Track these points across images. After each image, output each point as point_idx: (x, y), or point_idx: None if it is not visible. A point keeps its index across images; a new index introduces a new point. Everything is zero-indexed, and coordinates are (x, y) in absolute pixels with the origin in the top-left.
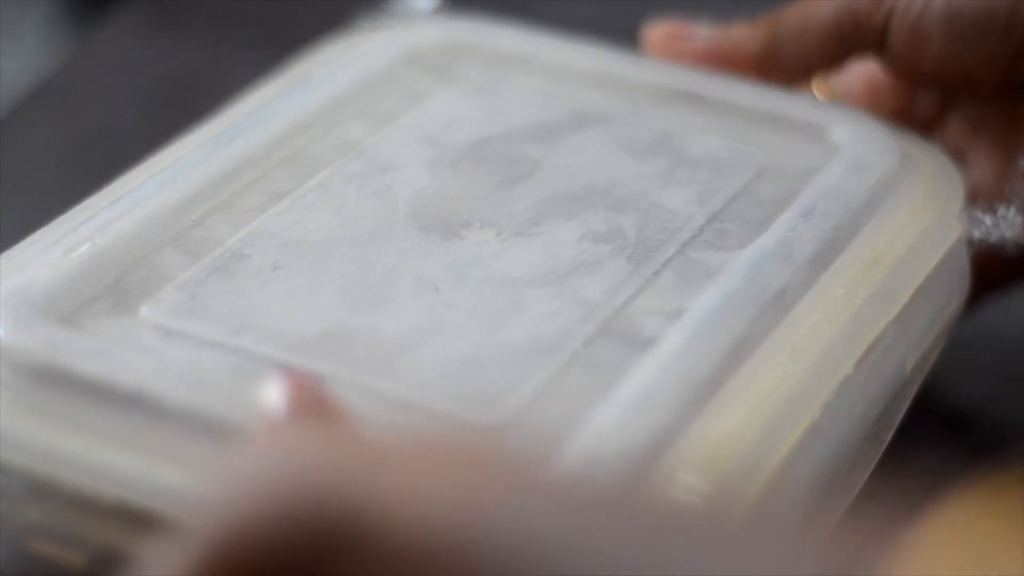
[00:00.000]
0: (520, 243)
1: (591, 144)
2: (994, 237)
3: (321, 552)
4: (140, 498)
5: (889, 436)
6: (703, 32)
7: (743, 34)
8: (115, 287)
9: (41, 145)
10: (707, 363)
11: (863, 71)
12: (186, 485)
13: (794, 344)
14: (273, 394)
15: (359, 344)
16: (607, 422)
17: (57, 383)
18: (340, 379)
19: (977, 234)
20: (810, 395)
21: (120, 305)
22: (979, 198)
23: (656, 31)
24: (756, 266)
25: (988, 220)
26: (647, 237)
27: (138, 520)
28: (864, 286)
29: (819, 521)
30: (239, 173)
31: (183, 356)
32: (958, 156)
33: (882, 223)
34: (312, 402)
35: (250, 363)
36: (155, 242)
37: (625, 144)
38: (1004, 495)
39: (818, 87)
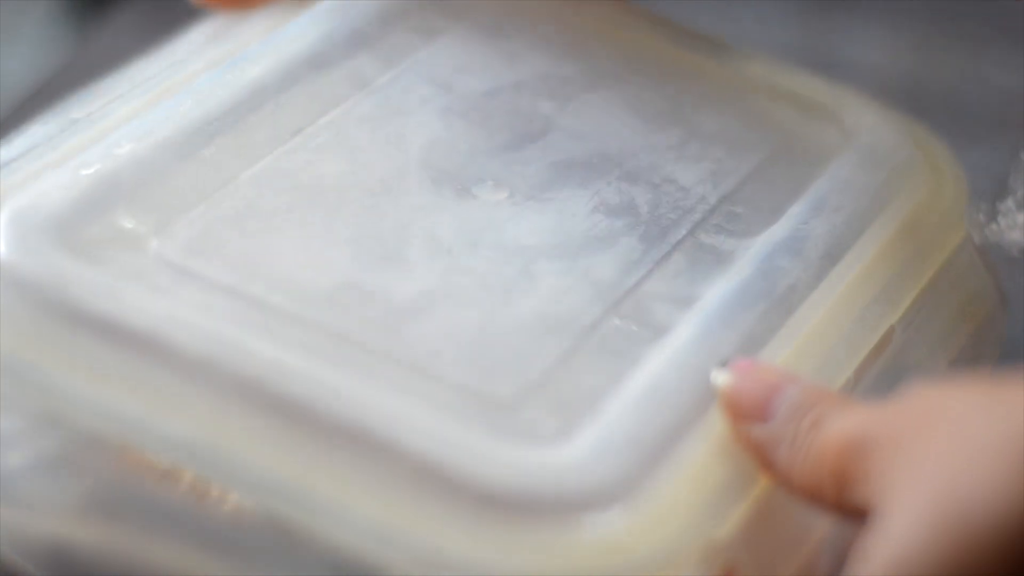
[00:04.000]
0: (532, 208)
1: (604, 106)
2: (995, 238)
3: None
4: (140, 443)
5: None
6: None
7: None
8: (126, 214)
9: None
10: (718, 358)
11: None
12: (187, 434)
13: (800, 343)
14: None
15: (371, 303)
16: (619, 412)
17: (64, 316)
18: (352, 338)
19: (978, 236)
20: None
21: (131, 236)
22: None
23: None
24: (768, 259)
25: (989, 220)
26: (659, 215)
27: (135, 462)
28: (870, 286)
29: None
30: (251, 102)
31: (195, 299)
32: None
33: (890, 220)
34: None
35: (260, 314)
36: (167, 170)
37: (639, 109)
38: None
39: None
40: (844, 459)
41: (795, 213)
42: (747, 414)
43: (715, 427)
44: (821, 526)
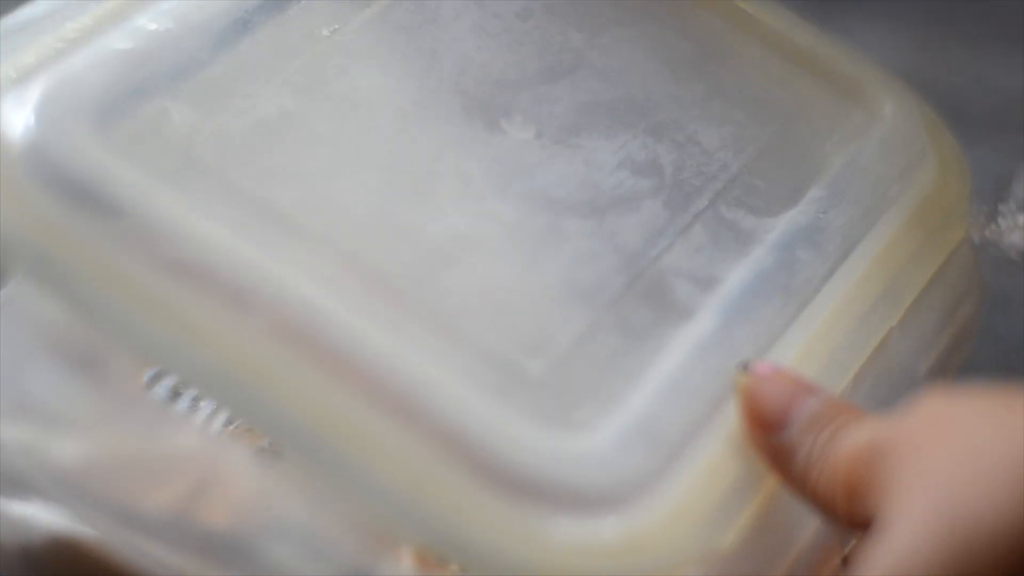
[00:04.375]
0: (560, 155)
1: (632, 46)
2: (994, 239)
3: None
4: (152, 358)
5: None
6: None
7: None
8: (163, 106)
9: None
10: (737, 354)
11: None
12: (203, 359)
13: (809, 341)
14: None
15: (403, 242)
16: (640, 406)
17: (94, 213)
18: (383, 279)
19: (977, 236)
20: None
21: (167, 131)
22: None
23: None
24: (787, 248)
25: (989, 221)
26: (683, 180)
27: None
28: (876, 285)
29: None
30: None
31: (227, 216)
32: None
33: (899, 214)
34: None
35: (293, 241)
36: (204, 60)
37: (665, 54)
38: None
39: None
40: (854, 471)
41: (815, 199)
42: (766, 421)
43: (726, 429)
44: (804, 536)
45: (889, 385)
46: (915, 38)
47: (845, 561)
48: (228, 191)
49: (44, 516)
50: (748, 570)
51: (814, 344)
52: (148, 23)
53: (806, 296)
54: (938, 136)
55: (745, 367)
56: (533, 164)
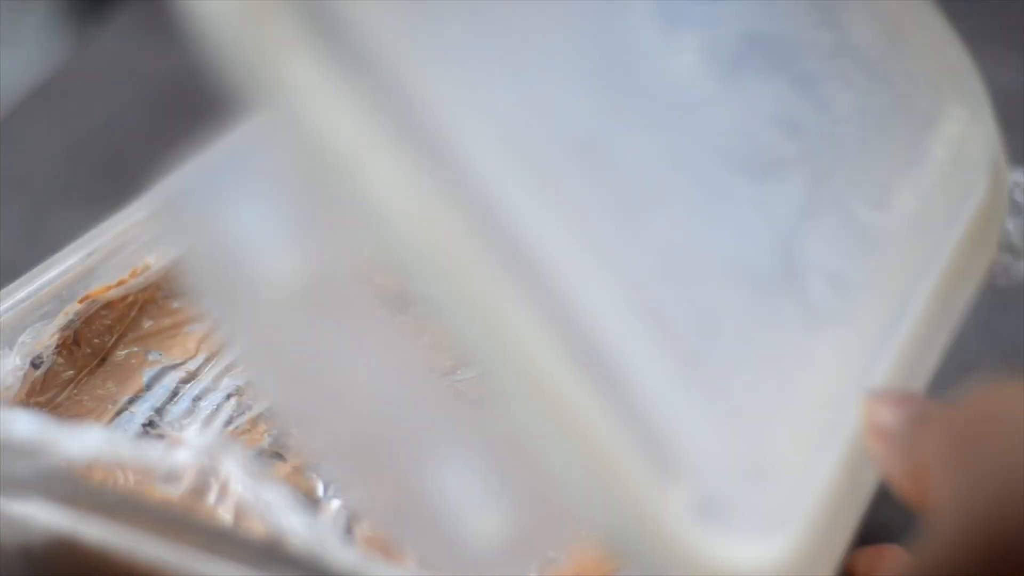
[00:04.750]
0: (722, 94)
1: None
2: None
3: None
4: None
5: None
6: None
7: None
8: None
9: (41, 145)
10: (854, 366)
11: None
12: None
13: (893, 363)
14: None
15: (602, 172)
16: (786, 427)
17: (337, 55)
18: (585, 212)
19: None
20: None
21: None
22: None
23: None
24: (896, 254)
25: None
26: (819, 152)
27: None
28: (934, 317)
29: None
30: None
31: (456, 89)
32: None
33: (961, 229)
34: None
35: (491, 152)
36: None
37: None
38: None
39: None
40: (924, 468)
41: (915, 197)
42: (881, 434)
43: (832, 464)
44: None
45: None
46: None
47: None
48: (457, 61)
49: (44, 516)
50: None
51: (895, 367)
52: None
53: (902, 314)
54: (1000, 155)
55: (870, 390)
56: (698, 103)
